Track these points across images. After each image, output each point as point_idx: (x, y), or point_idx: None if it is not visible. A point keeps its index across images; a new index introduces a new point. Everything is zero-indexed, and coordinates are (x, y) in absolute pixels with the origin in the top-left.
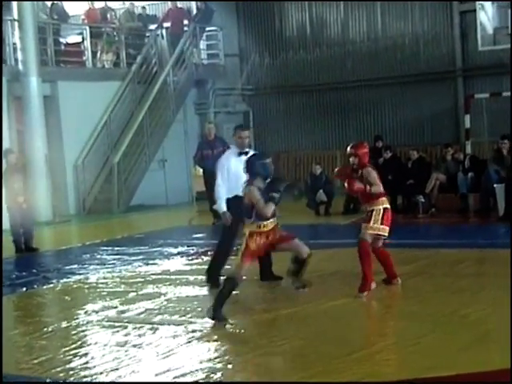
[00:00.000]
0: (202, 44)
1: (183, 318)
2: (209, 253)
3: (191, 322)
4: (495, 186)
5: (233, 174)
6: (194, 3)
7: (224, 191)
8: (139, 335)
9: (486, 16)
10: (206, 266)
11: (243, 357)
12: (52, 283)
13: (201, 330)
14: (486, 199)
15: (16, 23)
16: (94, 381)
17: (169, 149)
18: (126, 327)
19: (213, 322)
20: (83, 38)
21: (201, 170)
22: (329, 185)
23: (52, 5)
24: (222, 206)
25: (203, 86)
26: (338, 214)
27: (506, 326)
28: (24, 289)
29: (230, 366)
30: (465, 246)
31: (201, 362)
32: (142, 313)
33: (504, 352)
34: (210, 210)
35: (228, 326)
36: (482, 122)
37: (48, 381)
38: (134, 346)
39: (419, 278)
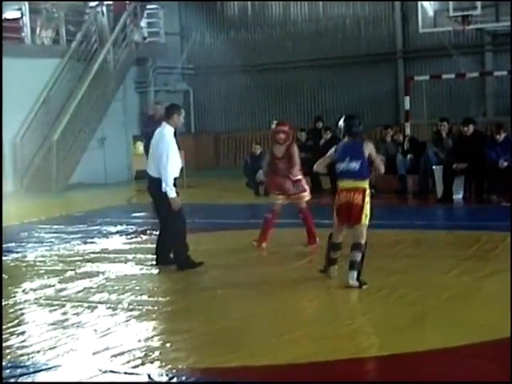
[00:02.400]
0: (143, 22)
1: (121, 297)
2: (148, 232)
3: (129, 301)
4: (434, 167)
5: (175, 154)
6: None
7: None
8: (77, 314)
9: None
10: (149, 246)
11: (180, 336)
12: None
13: (139, 309)
14: (424, 181)
15: None
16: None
17: (108, 127)
18: (63, 306)
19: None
20: (22, 14)
21: (140, 149)
22: None
23: None
24: (173, 191)
25: (143, 65)
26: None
27: (442, 307)
28: None
29: (167, 345)
30: (403, 227)
31: (139, 341)
32: (80, 291)
33: (438, 333)
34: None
35: (166, 305)
36: (421, 104)
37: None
38: (72, 324)
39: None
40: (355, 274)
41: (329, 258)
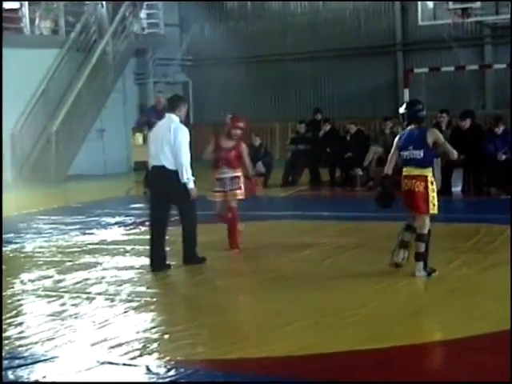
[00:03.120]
0: (143, 13)
1: (120, 288)
2: (147, 223)
3: (128, 292)
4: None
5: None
6: None
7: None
8: (75, 305)
9: None
10: (148, 237)
11: (179, 327)
12: None
13: (138, 301)
14: None
15: None
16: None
17: (107, 118)
18: (62, 297)
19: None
20: (21, 4)
21: (139, 140)
22: (268, 156)
23: None
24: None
25: (143, 56)
26: (277, 186)
27: (441, 299)
28: None
29: (166, 337)
30: (402, 219)
31: (137, 332)
32: (78, 282)
33: (438, 325)
34: (145, 178)
35: (165, 296)
36: (420, 97)
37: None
38: (70, 315)
39: (358, 250)
40: (421, 265)
41: (401, 240)
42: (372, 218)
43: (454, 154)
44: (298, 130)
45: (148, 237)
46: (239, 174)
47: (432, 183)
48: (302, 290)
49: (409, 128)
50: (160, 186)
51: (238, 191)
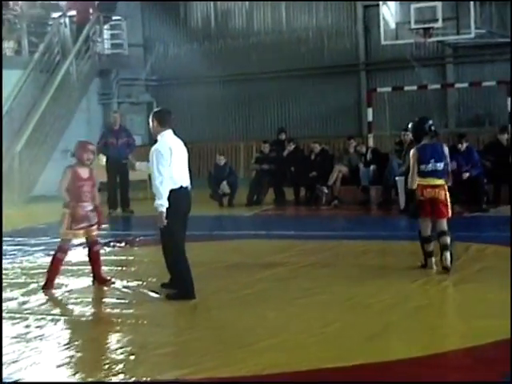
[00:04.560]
0: (106, 33)
1: (84, 309)
2: (111, 243)
3: (92, 313)
4: (397, 178)
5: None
6: None
7: (169, 184)
8: (40, 327)
9: (389, 11)
10: (112, 258)
11: (146, 348)
12: None
13: (103, 322)
14: (387, 192)
15: None
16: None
17: (72, 138)
18: (26, 319)
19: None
20: None
21: (103, 160)
22: (233, 176)
23: None
24: (165, 204)
25: (107, 76)
26: (242, 205)
27: (408, 316)
28: None
29: (131, 358)
30: (367, 237)
31: (102, 354)
32: (42, 304)
33: (405, 342)
34: (108, 199)
35: (131, 317)
36: (384, 116)
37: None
38: (35, 337)
39: (324, 269)
40: (448, 254)
41: (425, 251)
42: (338, 237)
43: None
44: (262, 149)
45: (113, 257)
46: (96, 203)
47: (448, 192)
48: (270, 309)
49: (423, 143)
50: (189, 208)
51: (96, 224)
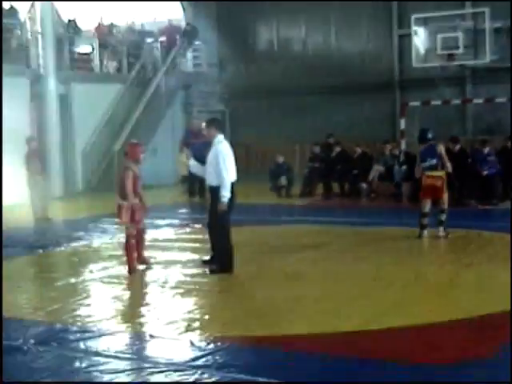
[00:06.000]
0: (189, 55)
1: (169, 277)
2: (190, 225)
3: (175, 281)
4: None
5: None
6: (183, 23)
7: (230, 180)
8: (133, 290)
9: (419, 39)
10: (192, 236)
11: (216, 310)
12: (63, 247)
13: (183, 288)
14: (416, 187)
15: (39, 35)
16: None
17: (159, 140)
18: (122, 283)
19: None
20: (93, 49)
21: (185, 157)
22: (289, 172)
23: (68, 21)
24: (228, 196)
25: (189, 90)
26: (296, 196)
27: (426, 290)
28: (41, 250)
29: (206, 317)
30: (398, 224)
31: (183, 313)
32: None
33: (424, 310)
34: (188, 189)
35: (206, 285)
36: (413, 125)
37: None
38: (130, 298)
39: (366, 247)
40: (442, 228)
41: (421, 224)
42: (373, 224)
43: (449, 166)
44: (313, 150)
45: (193, 236)
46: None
47: (445, 180)
48: (305, 285)
49: (424, 146)
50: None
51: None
